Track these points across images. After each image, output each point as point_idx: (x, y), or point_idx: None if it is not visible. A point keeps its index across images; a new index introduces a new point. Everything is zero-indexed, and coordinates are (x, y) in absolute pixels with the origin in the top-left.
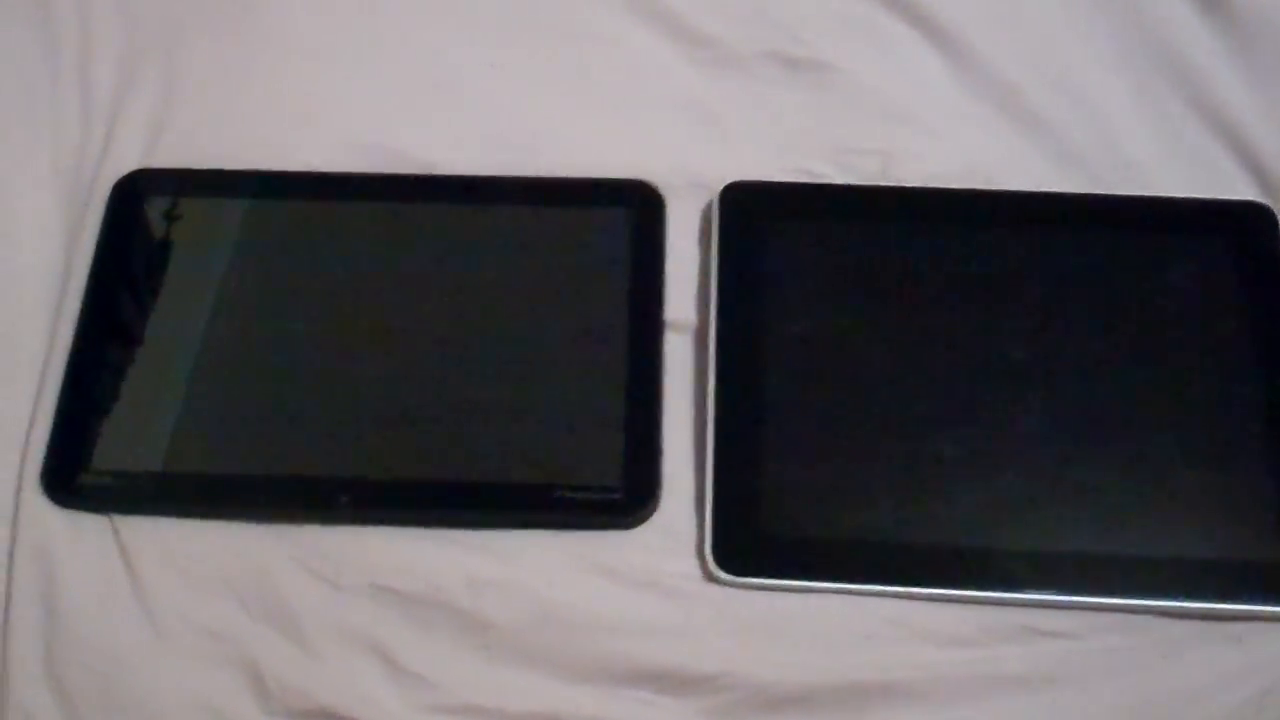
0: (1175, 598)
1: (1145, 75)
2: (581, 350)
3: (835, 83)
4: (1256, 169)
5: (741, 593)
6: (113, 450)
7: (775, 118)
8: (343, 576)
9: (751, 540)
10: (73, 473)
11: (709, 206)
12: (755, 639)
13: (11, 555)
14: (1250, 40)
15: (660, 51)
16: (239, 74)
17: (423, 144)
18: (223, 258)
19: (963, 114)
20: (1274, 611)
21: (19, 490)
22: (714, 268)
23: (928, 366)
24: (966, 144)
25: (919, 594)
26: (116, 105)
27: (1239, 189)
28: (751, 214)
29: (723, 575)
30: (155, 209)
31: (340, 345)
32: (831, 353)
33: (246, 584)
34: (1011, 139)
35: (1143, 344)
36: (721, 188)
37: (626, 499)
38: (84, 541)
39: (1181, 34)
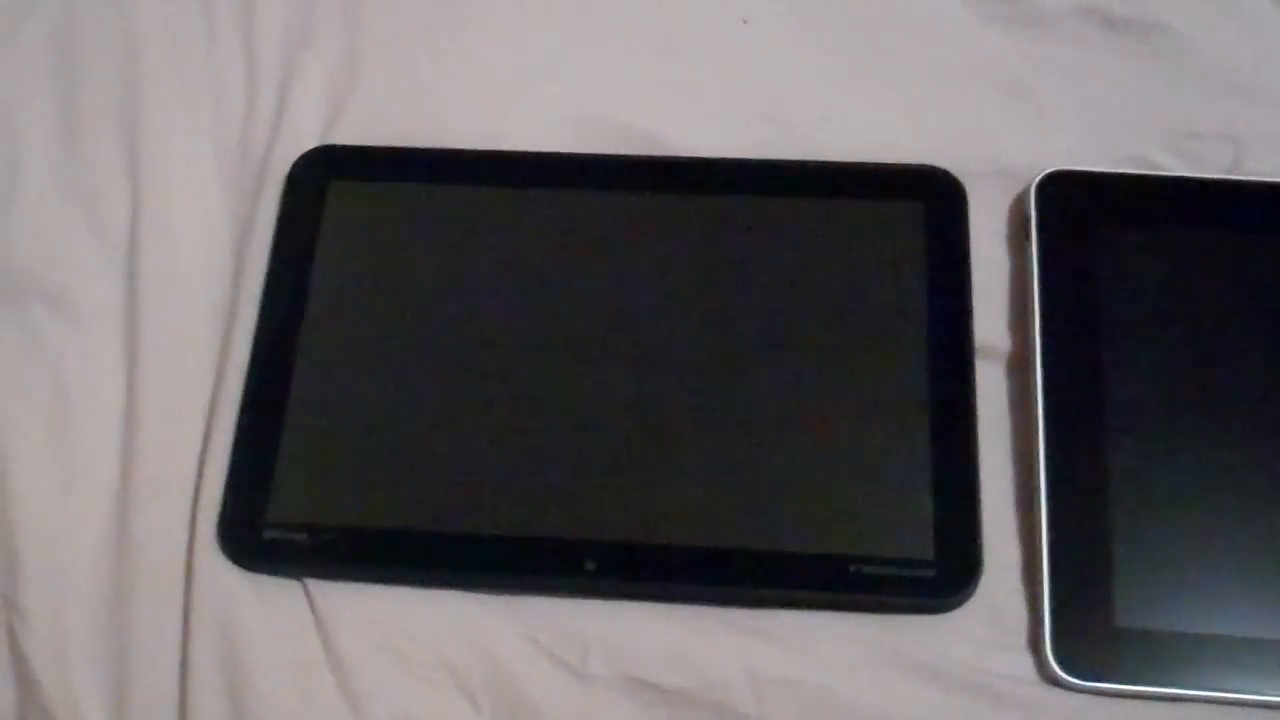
0: None
1: None
2: (873, 384)
3: (1169, 48)
4: None
5: (1092, 701)
6: (304, 499)
7: (1094, 92)
8: (591, 664)
9: (1104, 632)
10: (256, 527)
11: (1020, 200)
12: None
13: (187, 628)
14: None
15: (949, 7)
16: (434, 34)
17: (656, 119)
18: (426, 256)
19: None
20: None
21: (192, 548)
22: (1035, 278)
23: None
24: None
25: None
26: (288, 72)
27: None
28: (1078, 212)
29: (1066, 677)
30: (343, 195)
31: (577, 369)
32: (1195, 386)
33: (470, 669)
34: None
35: None
36: (1037, 178)
37: (940, 575)
38: (274, 611)
39: None
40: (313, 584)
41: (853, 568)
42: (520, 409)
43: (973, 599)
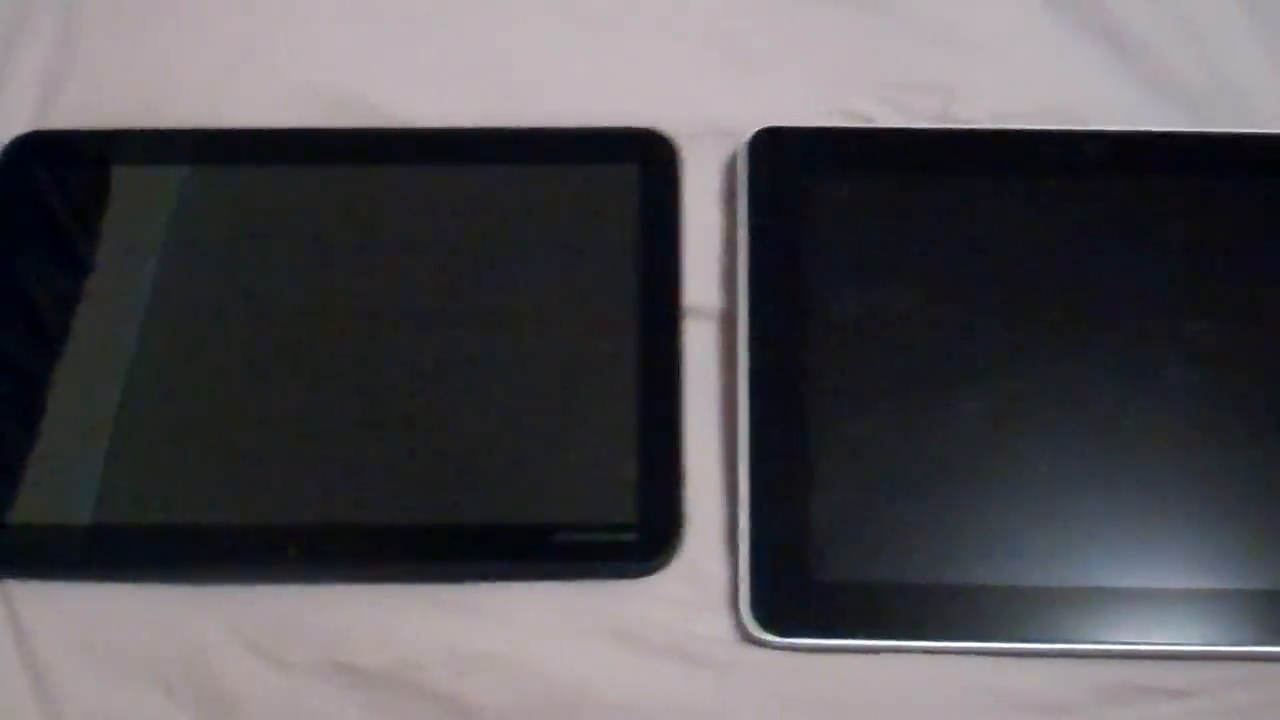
0: None
1: None
2: (580, 350)
3: (884, 3)
4: None
5: (789, 657)
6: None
7: (811, 48)
8: (293, 651)
9: (800, 589)
10: None
11: (733, 159)
12: (807, 716)
13: None
14: None
15: None
16: (152, 11)
17: (378, 88)
18: (146, 243)
19: (1042, 38)
20: None
21: None
22: (743, 237)
23: (1027, 351)
24: (1046, 75)
25: (1010, 650)
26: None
27: None
28: (788, 167)
29: (764, 635)
30: (56, 181)
31: (272, 351)
32: (894, 342)
33: (171, 663)
34: (1101, 67)
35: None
36: (747, 135)
37: (642, 539)
38: None
39: None
40: (12, 584)
41: (554, 536)
42: (211, 395)
43: (676, 561)
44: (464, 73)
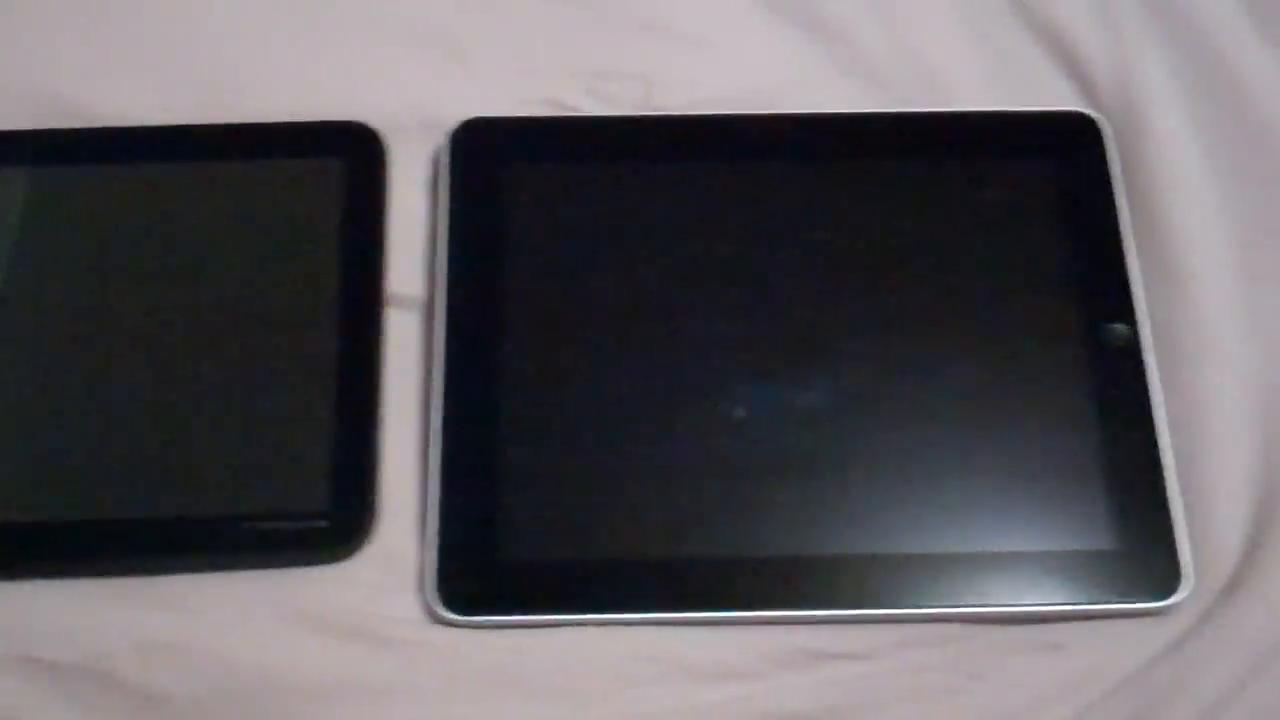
0: (983, 601)
1: None
2: (280, 340)
3: None
4: (1080, 74)
5: (474, 635)
6: None
7: (520, 40)
8: None
9: (484, 570)
10: None
11: (439, 151)
12: (492, 692)
13: None
14: None
15: None
16: None
17: (90, 90)
18: None
19: (741, 25)
20: (1098, 609)
21: None
22: (442, 226)
23: (705, 338)
24: (746, 62)
25: (684, 619)
26: None
27: (1062, 98)
28: (489, 158)
29: (449, 615)
30: None
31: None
32: (588, 328)
33: None
34: (800, 52)
35: (952, 296)
36: (452, 127)
37: (335, 526)
38: None
39: None
40: None
41: (247, 525)
42: None
43: (370, 547)
44: (171, 70)
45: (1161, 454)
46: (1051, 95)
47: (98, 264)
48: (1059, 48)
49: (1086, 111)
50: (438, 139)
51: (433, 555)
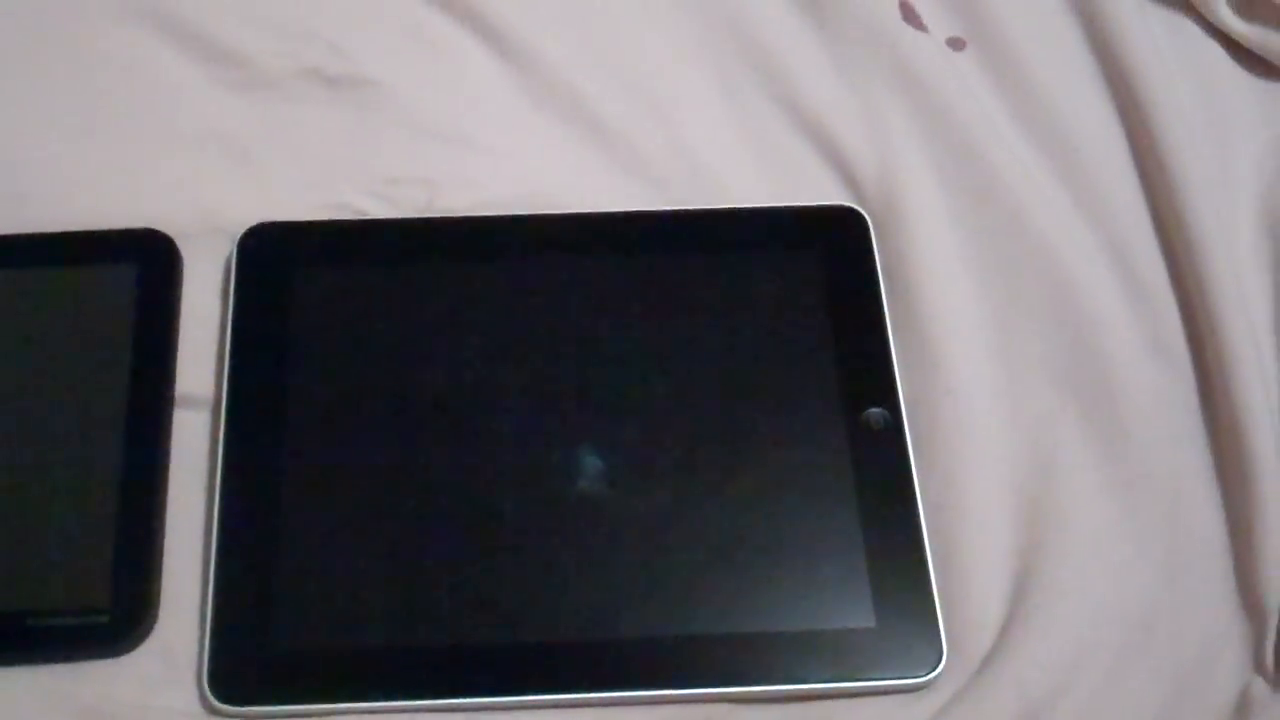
0: (748, 681)
1: (724, 70)
2: (69, 439)
3: (378, 101)
4: (845, 169)
5: None
6: None
7: (311, 146)
8: None
9: (257, 660)
10: None
11: (230, 256)
12: None
13: None
14: (834, 22)
15: (180, 73)
16: None
17: None
18: None
19: (523, 129)
20: (860, 686)
21: None
22: (228, 328)
23: (478, 436)
24: (528, 164)
25: (449, 705)
26: None
27: (828, 192)
28: (274, 262)
29: (223, 706)
30: None
31: None
32: (366, 426)
33: None
34: (579, 154)
35: (722, 384)
36: (240, 232)
37: (114, 621)
38: None
39: (762, 19)
40: None
41: (27, 621)
42: None
43: (151, 641)
44: None
45: (920, 533)
46: (819, 190)
47: None
48: (826, 143)
49: (851, 205)
50: (229, 244)
51: (207, 647)
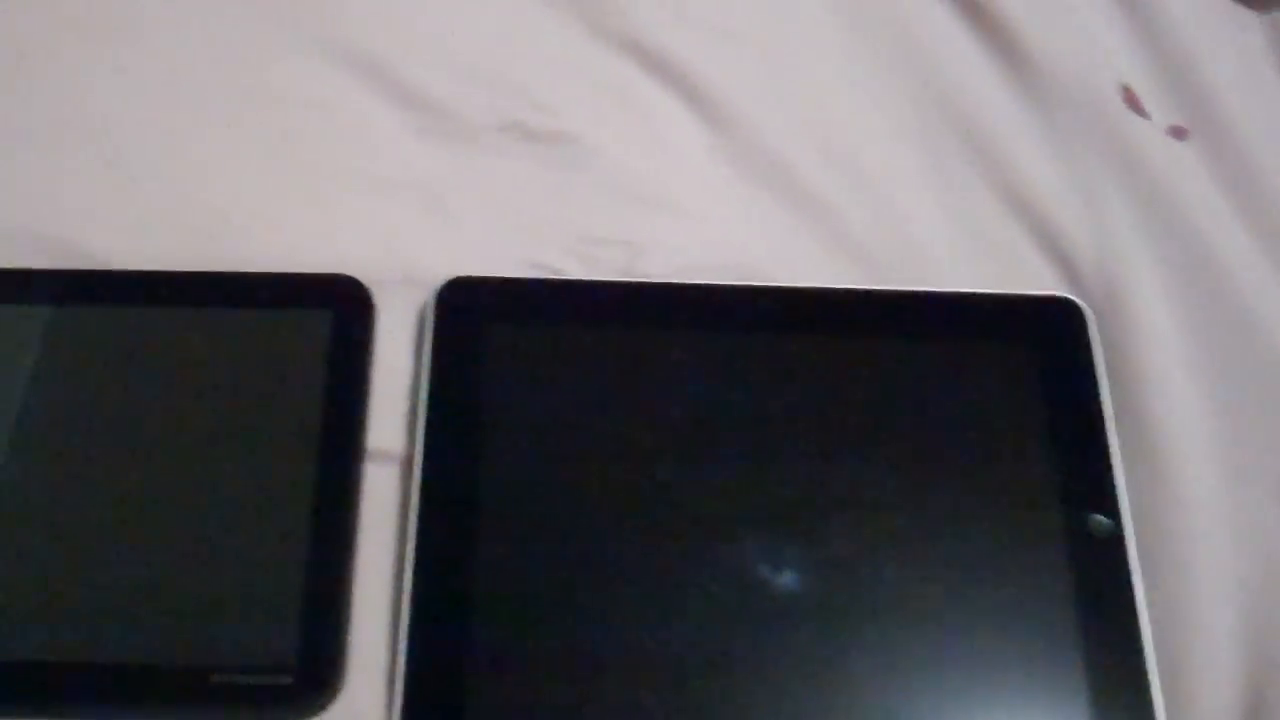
0: None
1: (937, 148)
2: (258, 493)
3: (580, 159)
4: (1062, 257)
5: None
6: None
7: (509, 200)
8: None
9: None
10: None
11: (425, 308)
12: None
13: None
14: (1053, 105)
15: (379, 119)
16: None
17: (81, 229)
18: None
19: (727, 195)
20: None
21: None
22: (424, 383)
23: (672, 512)
24: (731, 231)
25: None
26: None
27: (1043, 280)
28: (473, 317)
29: None
30: None
31: None
32: (563, 493)
33: None
34: (783, 224)
35: (930, 479)
36: (438, 285)
37: (299, 683)
38: None
39: (979, 100)
40: None
41: (211, 678)
42: None
43: (336, 704)
44: (164, 216)
45: (1144, 650)
46: (1033, 276)
47: (82, 406)
48: (1042, 229)
49: (1070, 296)
50: (423, 294)
51: (398, 713)
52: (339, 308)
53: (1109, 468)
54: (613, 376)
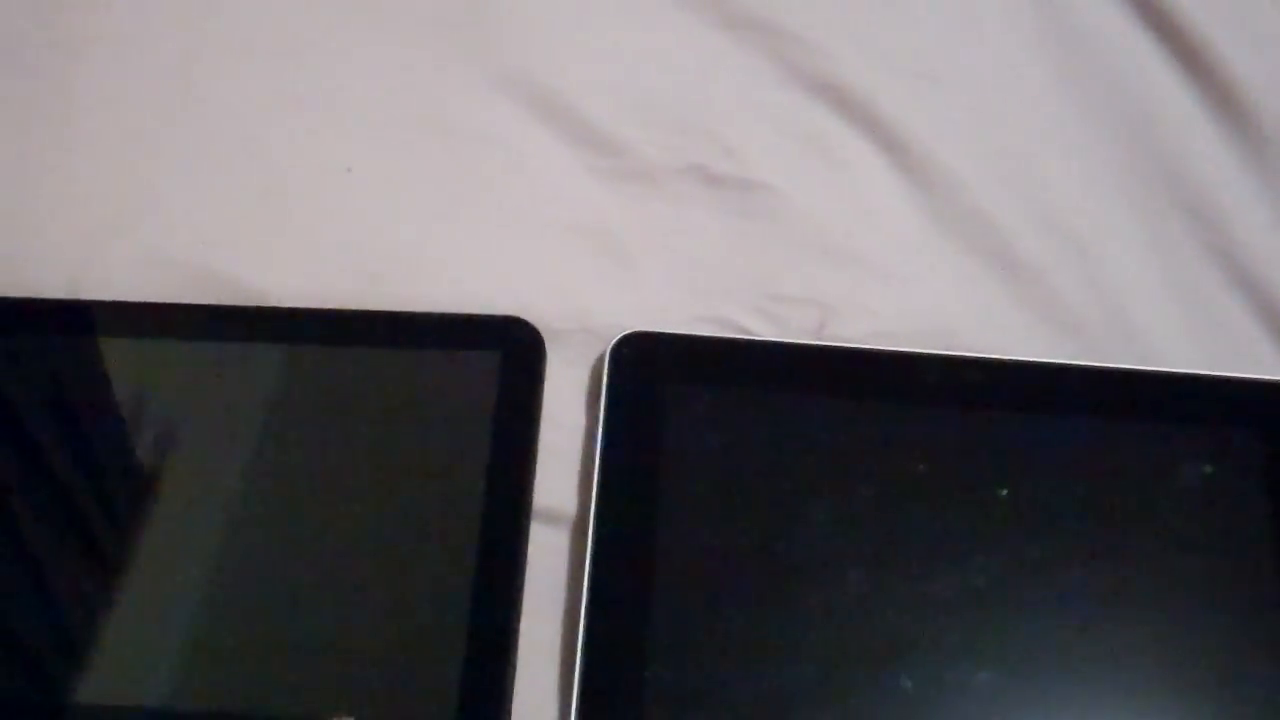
0: None
1: (1154, 211)
2: (417, 544)
3: (767, 208)
4: None
5: None
6: None
7: (689, 251)
8: None
9: None
10: None
11: (600, 360)
12: None
13: None
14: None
15: (556, 157)
16: (18, 177)
17: (246, 265)
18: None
19: (927, 254)
20: None
21: None
22: (599, 443)
23: (853, 591)
24: (930, 295)
25: None
26: None
27: (1264, 359)
28: (653, 374)
29: None
30: None
31: (128, 530)
32: (730, 561)
33: None
34: (987, 289)
35: (1161, 560)
36: (617, 337)
37: None
38: None
39: (1200, 162)
40: None
41: None
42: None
43: None
44: (333, 253)
45: None
46: (1255, 356)
47: (241, 444)
48: (1266, 305)
49: None
50: (596, 345)
51: None
52: (508, 352)
53: None
54: (795, 444)
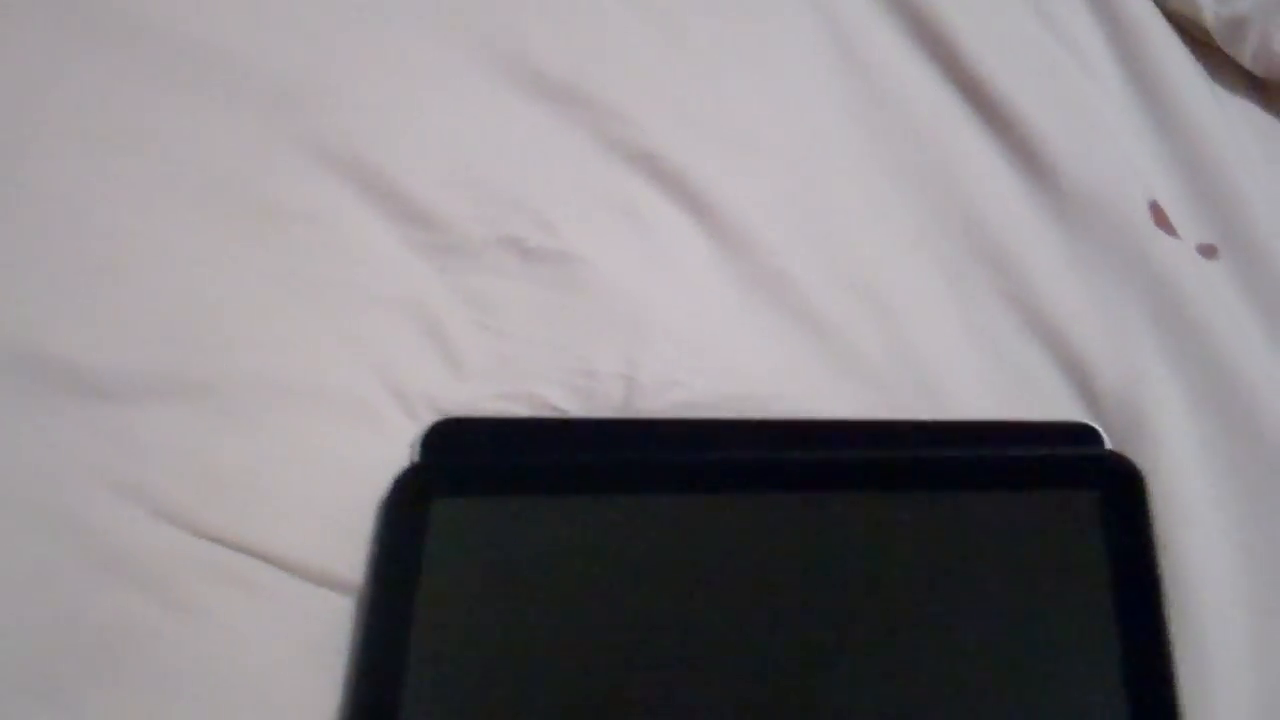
0: None
1: (956, 266)
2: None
3: (579, 279)
4: (1082, 381)
5: None
6: None
7: (503, 323)
8: None
9: None
10: None
11: (412, 448)
12: None
13: None
14: (1079, 222)
15: (375, 233)
16: None
17: (64, 342)
18: None
19: (732, 319)
20: None
21: None
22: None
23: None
24: (735, 359)
25: None
26: None
27: (1063, 407)
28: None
29: None
30: None
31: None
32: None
33: None
34: (791, 350)
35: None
36: (423, 428)
37: None
38: None
39: (1000, 215)
40: None
41: None
42: None
43: None
44: (161, 331)
45: None
46: (1052, 402)
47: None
48: (1063, 352)
49: (1087, 422)
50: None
51: None
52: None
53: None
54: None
